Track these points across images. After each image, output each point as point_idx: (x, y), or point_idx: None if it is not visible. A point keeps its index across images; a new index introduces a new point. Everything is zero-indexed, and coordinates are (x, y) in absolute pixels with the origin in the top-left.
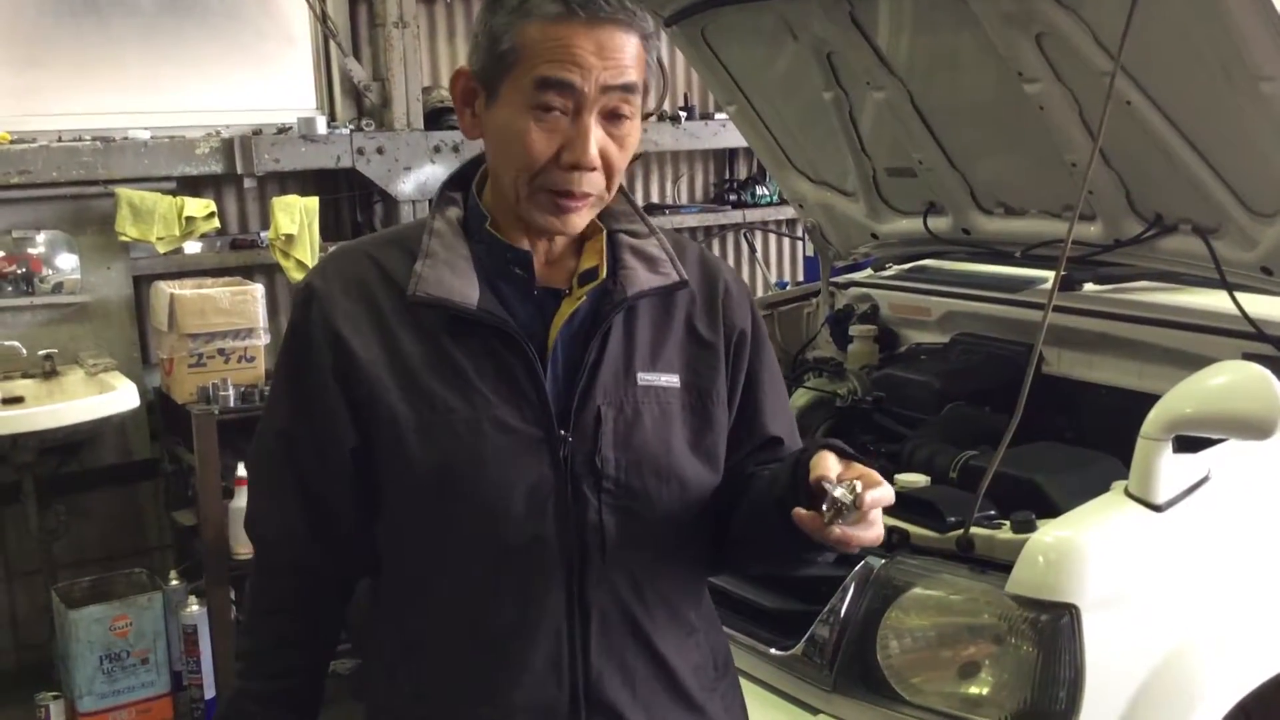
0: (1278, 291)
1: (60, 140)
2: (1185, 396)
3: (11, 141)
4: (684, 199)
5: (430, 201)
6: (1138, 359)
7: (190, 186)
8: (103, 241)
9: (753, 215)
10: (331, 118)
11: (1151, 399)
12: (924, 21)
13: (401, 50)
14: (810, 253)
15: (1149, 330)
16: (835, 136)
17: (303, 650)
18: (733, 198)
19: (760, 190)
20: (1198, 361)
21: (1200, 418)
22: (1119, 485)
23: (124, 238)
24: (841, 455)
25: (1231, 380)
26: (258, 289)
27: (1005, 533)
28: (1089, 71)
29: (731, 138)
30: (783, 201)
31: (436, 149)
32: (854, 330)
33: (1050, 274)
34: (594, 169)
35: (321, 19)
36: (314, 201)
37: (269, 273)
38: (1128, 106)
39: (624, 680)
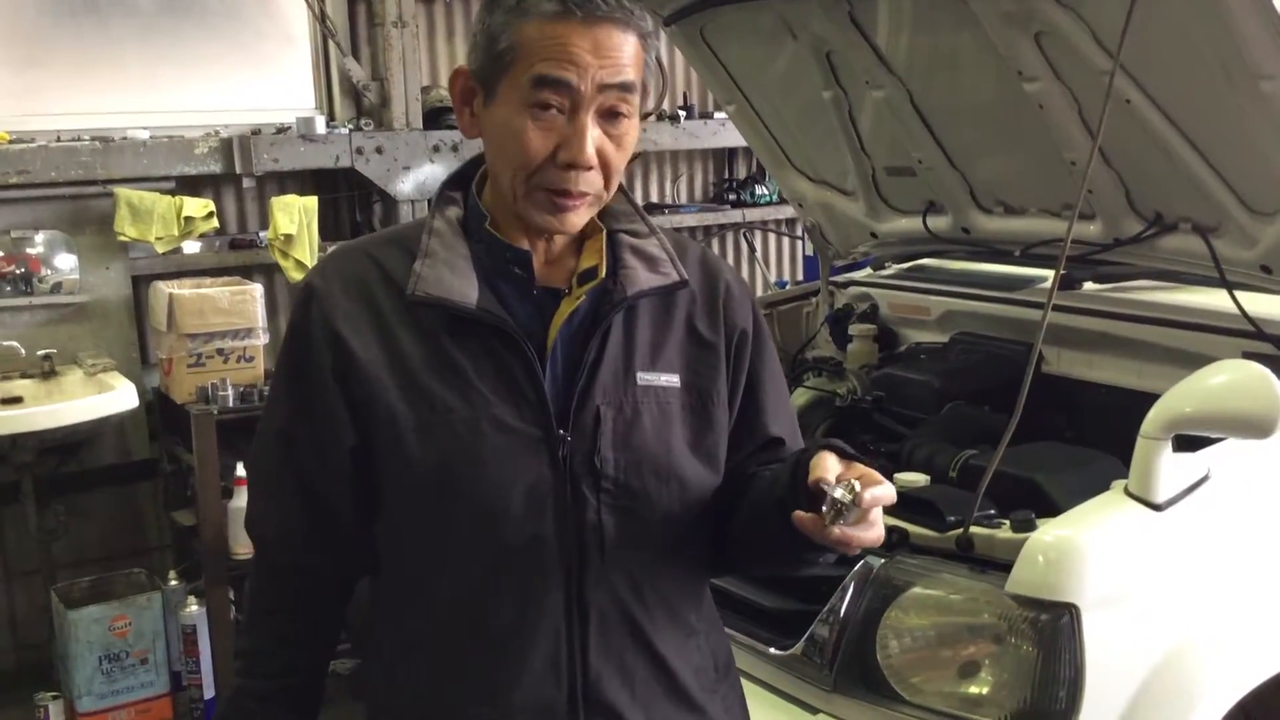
0: (1277, 290)
1: (59, 140)
2: (1185, 395)
3: (10, 141)
4: (683, 198)
5: (430, 201)
6: (1137, 358)
7: (189, 186)
8: (101, 241)
9: (752, 215)
10: (330, 117)
11: (1151, 398)
12: (923, 21)
13: (400, 50)
14: (810, 252)
15: (1148, 329)
16: (834, 136)
17: (302, 650)
18: (732, 197)
19: (760, 190)
20: (1197, 360)
21: (1200, 417)
22: (1119, 484)
23: (123, 238)
24: (842, 455)
25: (1231, 379)
26: (257, 289)
27: (1005, 532)
28: (1088, 70)
29: (731, 137)
30: (782, 201)
31: (435, 148)
32: (853, 329)
33: (1050, 273)
34: (590, 168)
35: (320, 19)
36: (313, 201)
37: (268, 273)
38: (1127, 105)
39: (623, 681)
